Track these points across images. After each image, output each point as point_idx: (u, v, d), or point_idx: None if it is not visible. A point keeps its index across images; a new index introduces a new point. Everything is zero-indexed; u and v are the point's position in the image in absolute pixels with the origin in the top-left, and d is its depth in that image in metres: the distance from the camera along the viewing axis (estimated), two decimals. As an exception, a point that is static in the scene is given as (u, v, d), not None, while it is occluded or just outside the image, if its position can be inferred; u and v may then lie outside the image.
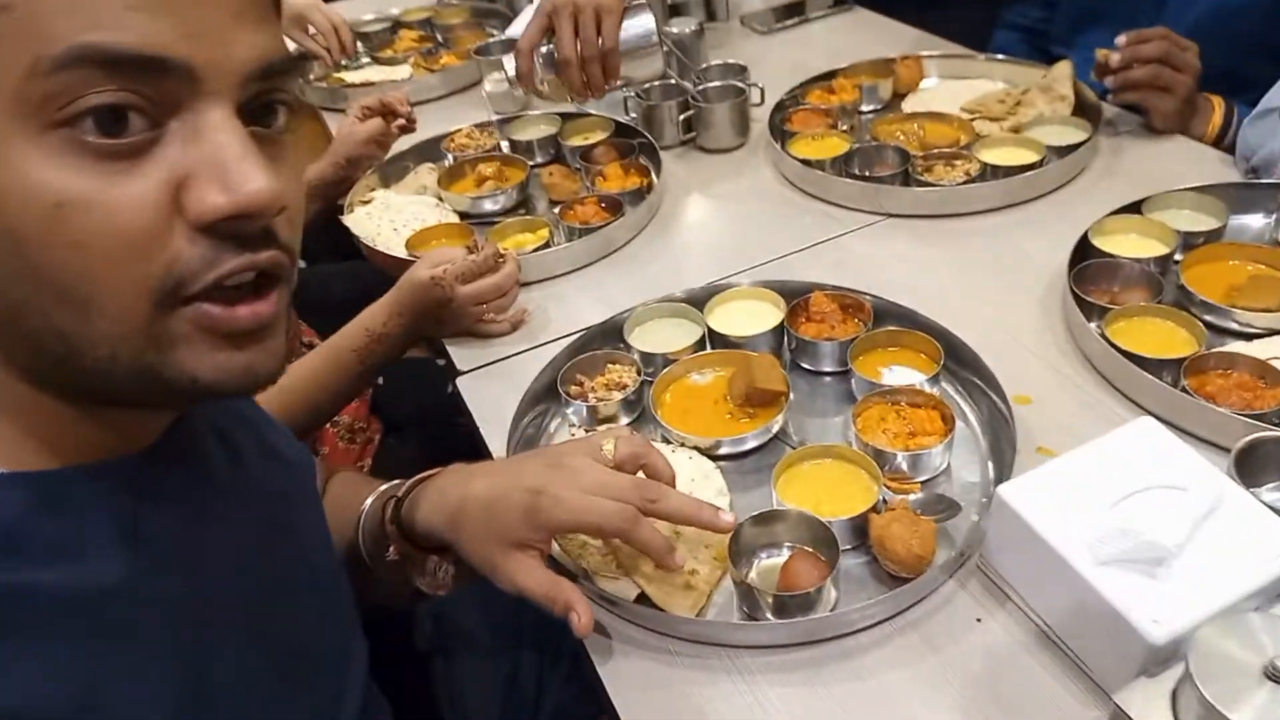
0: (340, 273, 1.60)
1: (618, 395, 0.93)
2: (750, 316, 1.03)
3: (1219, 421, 0.81)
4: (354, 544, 0.77)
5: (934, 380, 0.90)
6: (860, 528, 0.76)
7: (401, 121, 1.41)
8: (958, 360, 0.93)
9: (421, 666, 0.98)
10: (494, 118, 1.54)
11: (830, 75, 1.52)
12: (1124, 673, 0.61)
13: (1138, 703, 0.57)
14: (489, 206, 1.35)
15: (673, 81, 1.52)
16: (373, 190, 1.41)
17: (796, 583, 0.71)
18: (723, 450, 0.88)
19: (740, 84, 1.47)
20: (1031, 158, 1.24)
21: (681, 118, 1.46)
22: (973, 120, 1.37)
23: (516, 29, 1.64)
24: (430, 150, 1.50)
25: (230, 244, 0.43)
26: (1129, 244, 1.05)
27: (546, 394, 0.97)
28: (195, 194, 0.41)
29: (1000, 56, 1.53)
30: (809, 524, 0.76)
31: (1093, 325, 0.93)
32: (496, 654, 0.97)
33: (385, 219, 1.31)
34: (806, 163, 1.30)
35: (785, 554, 0.76)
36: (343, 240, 1.33)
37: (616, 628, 0.74)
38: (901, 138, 1.36)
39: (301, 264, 0.50)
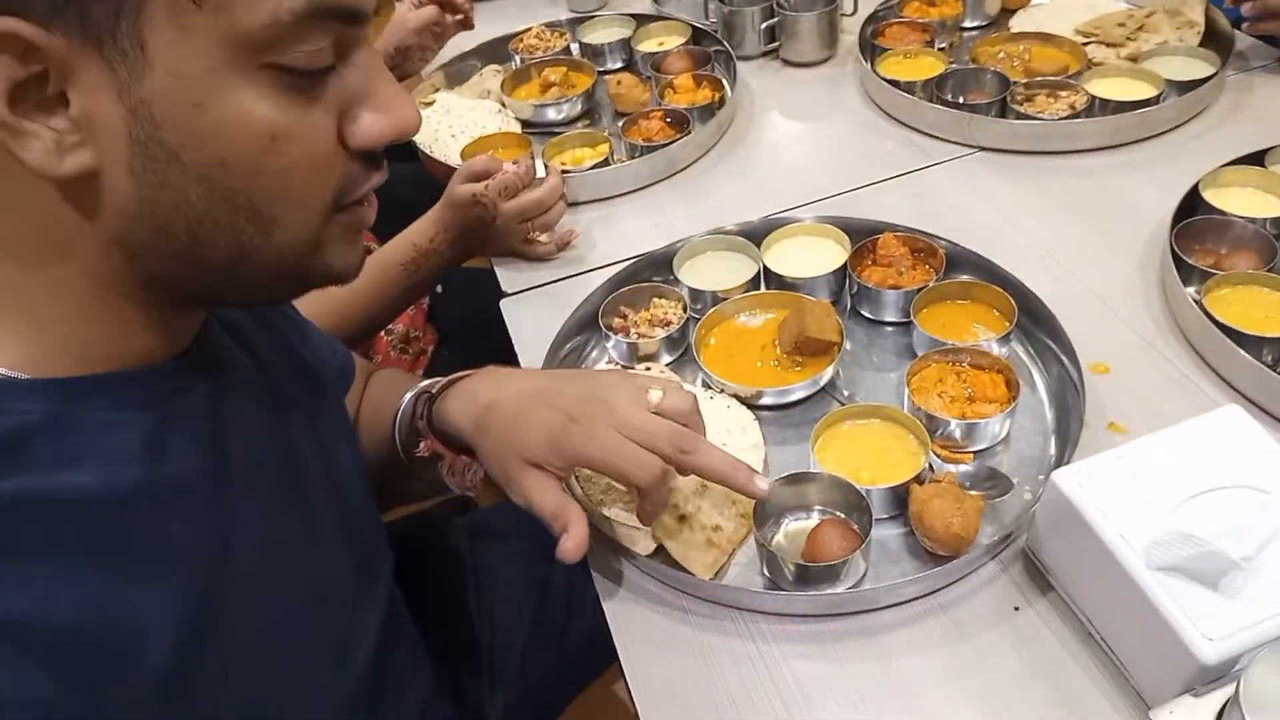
0: (402, 175, 1.56)
1: (660, 333, 0.89)
2: (811, 255, 0.96)
3: (1322, 416, 0.73)
4: (390, 439, 0.77)
5: (1004, 340, 0.83)
6: (900, 497, 0.71)
7: (460, 16, 1.33)
8: (1032, 318, 0.85)
9: (454, 565, 0.98)
10: (566, 17, 1.46)
11: (933, -17, 1.40)
12: (1168, 687, 0.57)
13: (1177, 723, 0.52)
14: (552, 115, 1.29)
15: (759, -16, 1.41)
16: (436, 91, 1.36)
17: (823, 553, 0.67)
18: (765, 400, 0.83)
19: (832, -11, 1.36)
20: (1147, 92, 1.12)
21: (764, 25, 1.37)
22: (1086, 44, 1.25)
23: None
24: (498, 50, 1.45)
25: (369, 161, 0.49)
26: (1245, 199, 0.95)
27: (588, 324, 0.93)
28: (362, 122, 0.47)
29: (1128, -31, 1.37)
30: (844, 489, 0.71)
31: (1190, 291, 0.85)
32: (529, 558, 0.96)
33: (445, 124, 1.27)
34: (894, 84, 1.21)
35: (815, 518, 0.73)
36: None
37: (632, 579, 0.72)
38: (1004, 60, 1.25)
39: None
